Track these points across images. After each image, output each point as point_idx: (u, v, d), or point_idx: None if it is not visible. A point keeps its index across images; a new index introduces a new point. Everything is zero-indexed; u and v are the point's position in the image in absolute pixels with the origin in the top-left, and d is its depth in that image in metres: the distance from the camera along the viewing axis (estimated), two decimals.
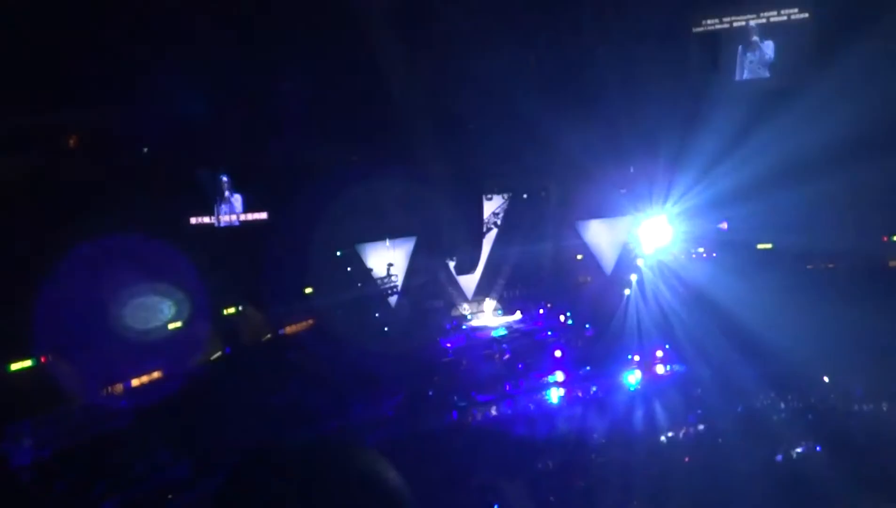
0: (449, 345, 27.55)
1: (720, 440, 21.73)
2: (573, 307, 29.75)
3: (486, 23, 17.53)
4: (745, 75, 20.26)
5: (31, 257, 15.08)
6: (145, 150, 17.26)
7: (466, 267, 30.68)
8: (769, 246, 26.34)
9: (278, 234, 22.25)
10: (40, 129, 13.92)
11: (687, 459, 20.88)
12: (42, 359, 16.28)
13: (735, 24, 19.91)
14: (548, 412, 23.75)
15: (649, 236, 27.59)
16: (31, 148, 14.35)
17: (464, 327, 30.22)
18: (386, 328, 26.80)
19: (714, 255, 27.85)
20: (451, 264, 30.55)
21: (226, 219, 21.94)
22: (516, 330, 29.43)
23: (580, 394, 24.68)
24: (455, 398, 23.84)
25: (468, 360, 26.57)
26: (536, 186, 30.06)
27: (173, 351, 19.64)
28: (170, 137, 17.11)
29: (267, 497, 1.33)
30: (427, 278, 30.40)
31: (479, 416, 23.56)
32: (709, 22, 20.16)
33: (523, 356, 26.59)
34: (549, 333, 28.46)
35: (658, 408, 23.35)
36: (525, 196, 30.95)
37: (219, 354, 21.19)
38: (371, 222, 26.24)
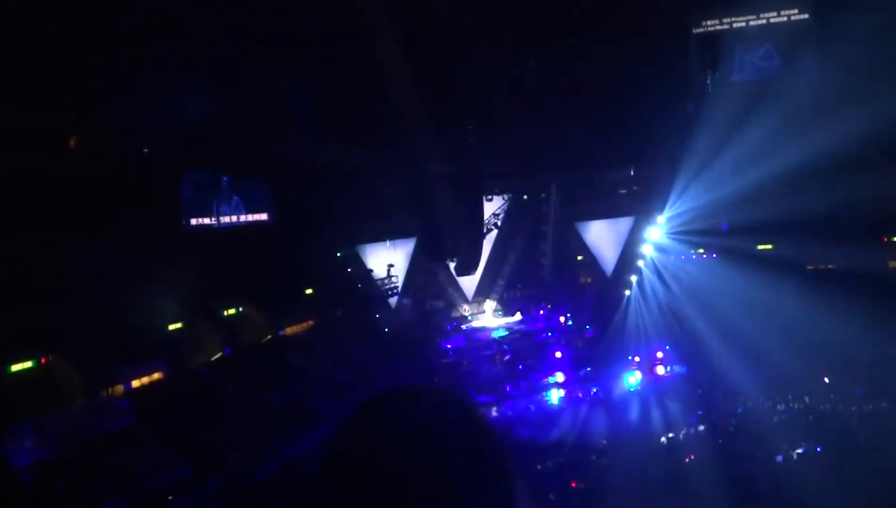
0: (449, 346, 27.53)
1: (720, 440, 21.72)
2: (573, 308, 29.75)
3: (488, 25, 17.55)
4: (746, 76, 20.28)
5: (30, 259, 15.08)
6: (146, 150, 17.27)
7: (467, 268, 30.69)
8: (769, 247, 26.37)
9: (279, 235, 22.27)
10: (40, 129, 13.93)
11: (687, 460, 20.86)
12: (42, 360, 16.29)
13: (735, 26, 19.94)
14: (548, 412, 23.73)
15: (650, 237, 27.62)
16: (30, 148, 14.36)
17: (464, 327, 30.22)
18: (386, 329, 26.79)
19: (714, 256, 27.85)
20: (452, 265, 30.55)
21: (226, 220, 21.95)
22: (516, 331, 29.42)
23: (580, 395, 24.67)
24: None
25: (468, 361, 26.55)
26: (537, 187, 30.09)
27: (174, 352, 19.64)
28: (171, 138, 17.12)
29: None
30: (427, 279, 30.42)
31: None
32: (709, 23, 20.19)
33: (523, 356, 26.57)
34: (550, 334, 28.45)
35: (658, 409, 23.33)
36: (525, 197, 30.98)
37: (219, 355, 21.19)
38: (372, 223, 26.26)
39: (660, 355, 25.84)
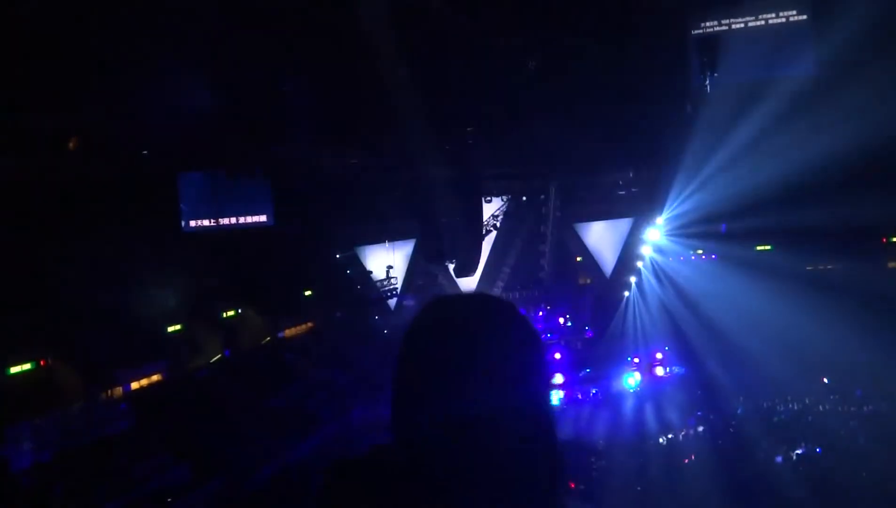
0: None
1: (720, 441, 21.73)
2: (572, 310, 29.75)
3: (485, 24, 17.55)
4: (744, 77, 20.28)
5: (28, 261, 15.08)
6: (144, 152, 17.24)
7: (466, 269, 30.67)
8: (768, 247, 26.40)
9: (278, 236, 22.26)
10: (40, 130, 13.92)
11: (687, 461, 20.87)
12: (41, 362, 16.27)
13: (734, 27, 19.94)
14: None
15: (649, 238, 27.64)
16: (29, 150, 14.35)
17: None
18: (385, 331, 26.79)
19: (713, 257, 27.88)
20: (451, 267, 30.54)
21: (225, 221, 21.92)
22: None
23: (580, 396, 24.67)
24: None
25: None
26: (536, 188, 30.09)
27: (173, 354, 19.64)
28: (170, 140, 17.10)
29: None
30: (427, 281, 30.41)
31: None
32: (707, 24, 20.18)
33: None
34: (549, 335, 28.45)
35: (658, 410, 23.35)
36: (524, 198, 30.98)
37: (218, 357, 21.18)
38: (371, 225, 26.25)
39: (659, 356, 25.85)
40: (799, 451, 20.41)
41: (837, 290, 22.05)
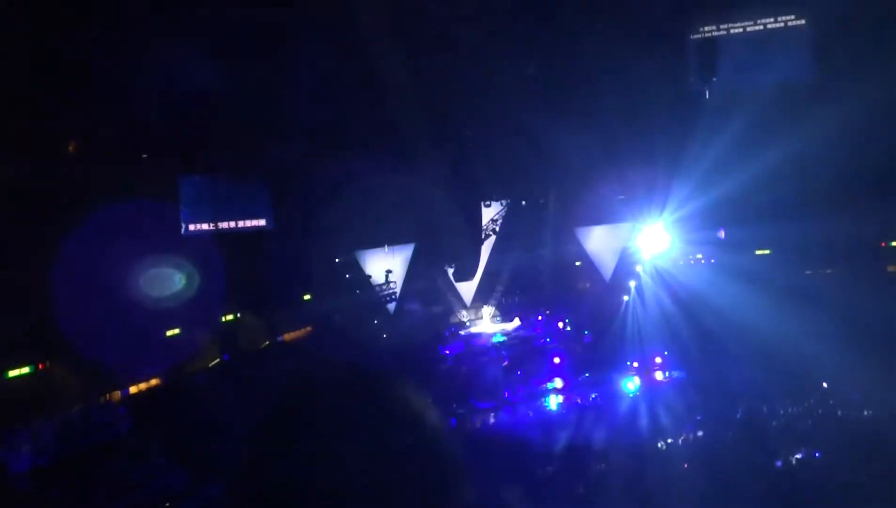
0: (447, 352, 27.49)
1: (719, 445, 21.67)
2: (572, 314, 29.73)
3: (486, 31, 17.60)
4: (743, 82, 20.34)
5: (28, 263, 15.06)
6: (144, 155, 17.27)
7: (465, 274, 30.68)
8: (767, 252, 26.39)
9: (277, 240, 22.25)
10: (39, 132, 13.93)
11: (686, 465, 20.81)
12: (40, 366, 16.23)
13: (732, 31, 20.00)
14: (547, 418, 23.68)
15: (648, 242, 27.63)
16: (28, 153, 14.36)
17: (462, 333, 30.18)
18: (384, 335, 26.75)
19: (713, 261, 27.88)
20: (450, 271, 30.55)
21: (224, 225, 21.92)
22: (515, 337, 29.39)
23: (579, 401, 24.63)
24: (454, 405, 23.76)
25: (467, 367, 26.51)
26: (535, 192, 30.11)
27: (171, 358, 19.59)
28: (168, 143, 17.12)
29: None
30: (426, 285, 30.38)
31: (478, 423, 23.49)
32: (706, 29, 20.25)
33: (522, 362, 26.53)
34: (548, 339, 28.43)
35: (657, 414, 23.29)
36: (523, 203, 30.99)
37: (217, 361, 21.13)
38: (370, 229, 26.23)
39: (658, 360, 25.81)
40: (798, 455, 20.36)
41: (837, 293, 22.03)
